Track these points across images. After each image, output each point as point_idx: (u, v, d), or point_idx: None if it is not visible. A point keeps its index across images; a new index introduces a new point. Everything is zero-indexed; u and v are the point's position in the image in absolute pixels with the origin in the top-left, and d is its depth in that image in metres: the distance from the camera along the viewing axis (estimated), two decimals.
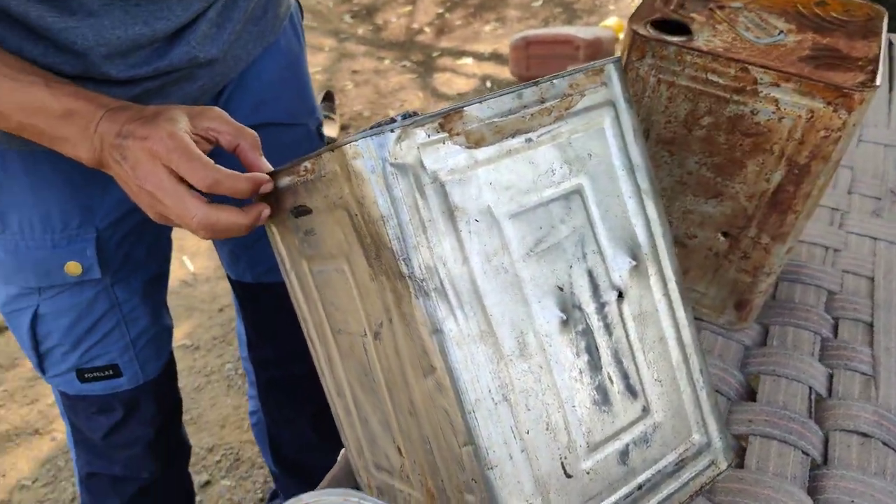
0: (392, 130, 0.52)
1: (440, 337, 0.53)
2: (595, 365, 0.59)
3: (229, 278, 1.25)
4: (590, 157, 0.60)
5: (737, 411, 0.82)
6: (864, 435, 0.78)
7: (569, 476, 0.57)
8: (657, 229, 0.63)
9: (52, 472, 1.85)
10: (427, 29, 4.43)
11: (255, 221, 0.65)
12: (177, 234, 1.08)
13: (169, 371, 1.14)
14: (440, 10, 4.59)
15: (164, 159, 0.64)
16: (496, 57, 4.01)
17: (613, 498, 0.60)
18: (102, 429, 1.08)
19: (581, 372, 0.59)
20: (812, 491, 0.73)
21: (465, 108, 0.55)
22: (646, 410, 0.62)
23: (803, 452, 0.76)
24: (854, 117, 0.73)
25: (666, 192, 0.87)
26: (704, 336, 0.92)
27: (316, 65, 4.00)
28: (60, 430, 1.95)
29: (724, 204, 0.85)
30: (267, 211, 0.66)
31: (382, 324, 0.57)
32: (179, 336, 2.23)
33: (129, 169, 0.66)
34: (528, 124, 0.57)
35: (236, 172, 0.65)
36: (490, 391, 0.54)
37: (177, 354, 1.65)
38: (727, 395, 0.84)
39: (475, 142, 0.55)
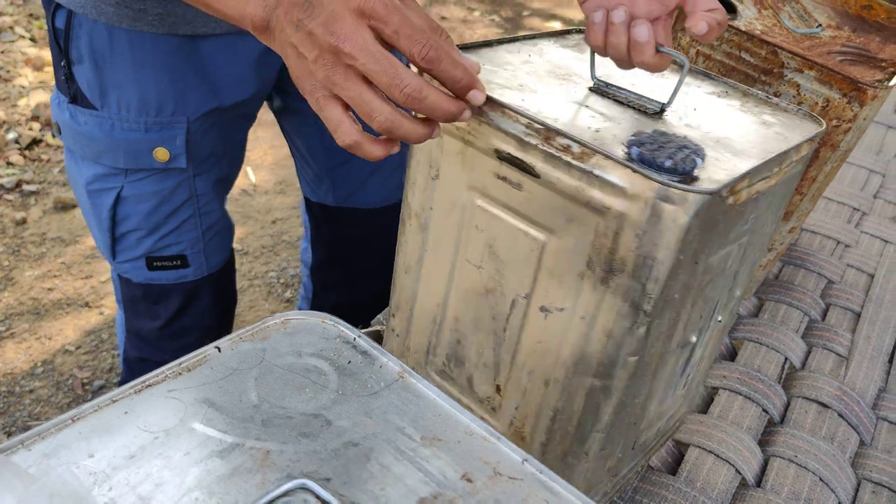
0: (721, 195, 0.50)
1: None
2: None
3: (307, 200, 1.23)
4: None
5: (716, 367, 0.89)
6: (824, 405, 0.85)
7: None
8: None
9: (95, 342, 2.00)
10: None
11: (463, 112, 0.54)
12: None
13: (229, 267, 1.17)
14: None
15: (378, 18, 0.51)
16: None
17: None
18: (160, 318, 1.09)
19: None
20: (762, 443, 0.80)
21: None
22: None
23: (763, 410, 0.83)
24: (865, 112, 0.79)
25: None
26: None
27: None
28: (109, 307, 2.09)
29: None
30: (468, 113, 0.54)
31: (565, 310, 0.57)
32: None
33: (320, 26, 0.51)
34: None
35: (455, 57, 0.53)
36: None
37: None
38: None
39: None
